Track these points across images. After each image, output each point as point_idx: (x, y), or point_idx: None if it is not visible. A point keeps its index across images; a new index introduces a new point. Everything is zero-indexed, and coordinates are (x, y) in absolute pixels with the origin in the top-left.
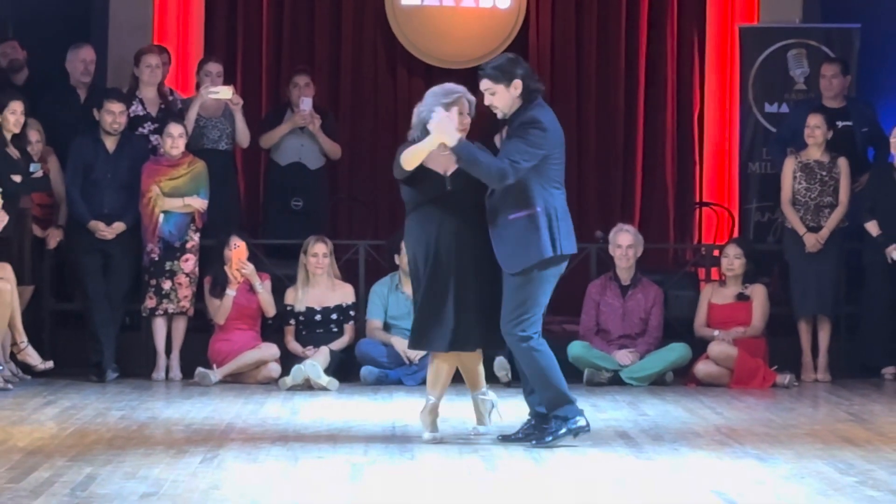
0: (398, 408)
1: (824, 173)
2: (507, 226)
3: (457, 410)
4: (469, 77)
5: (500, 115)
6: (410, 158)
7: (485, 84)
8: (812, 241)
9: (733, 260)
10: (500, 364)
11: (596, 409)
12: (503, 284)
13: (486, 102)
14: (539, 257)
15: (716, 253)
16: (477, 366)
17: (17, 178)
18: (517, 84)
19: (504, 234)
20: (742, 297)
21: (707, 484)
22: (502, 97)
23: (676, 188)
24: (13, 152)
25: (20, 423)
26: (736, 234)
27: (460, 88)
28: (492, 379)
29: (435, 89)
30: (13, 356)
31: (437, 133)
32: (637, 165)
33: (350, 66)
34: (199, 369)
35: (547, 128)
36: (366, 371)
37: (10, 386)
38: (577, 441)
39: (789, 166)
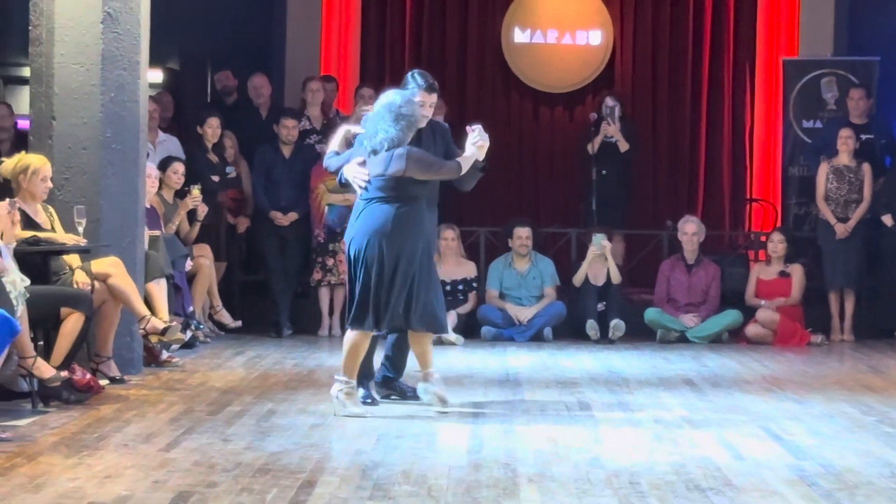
0: (511, 359)
1: (851, 175)
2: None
3: (559, 360)
4: (567, 100)
5: (423, 123)
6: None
7: (435, 98)
8: (842, 230)
9: (777, 244)
10: (591, 325)
11: (667, 362)
12: (427, 270)
13: (430, 113)
14: None
15: (763, 239)
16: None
17: (216, 178)
18: None
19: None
20: (784, 274)
21: (756, 421)
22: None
23: (731, 187)
24: (212, 157)
25: (216, 369)
26: (779, 224)
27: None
28: (583, 336)
29: (403, 103)
30: (211, 317)
31: (482, 150)
32: (700, 169)
33: (474, 91)
34: None
35: None
36: (485, 330)
37: (208, 340)
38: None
39: (823, 170)
